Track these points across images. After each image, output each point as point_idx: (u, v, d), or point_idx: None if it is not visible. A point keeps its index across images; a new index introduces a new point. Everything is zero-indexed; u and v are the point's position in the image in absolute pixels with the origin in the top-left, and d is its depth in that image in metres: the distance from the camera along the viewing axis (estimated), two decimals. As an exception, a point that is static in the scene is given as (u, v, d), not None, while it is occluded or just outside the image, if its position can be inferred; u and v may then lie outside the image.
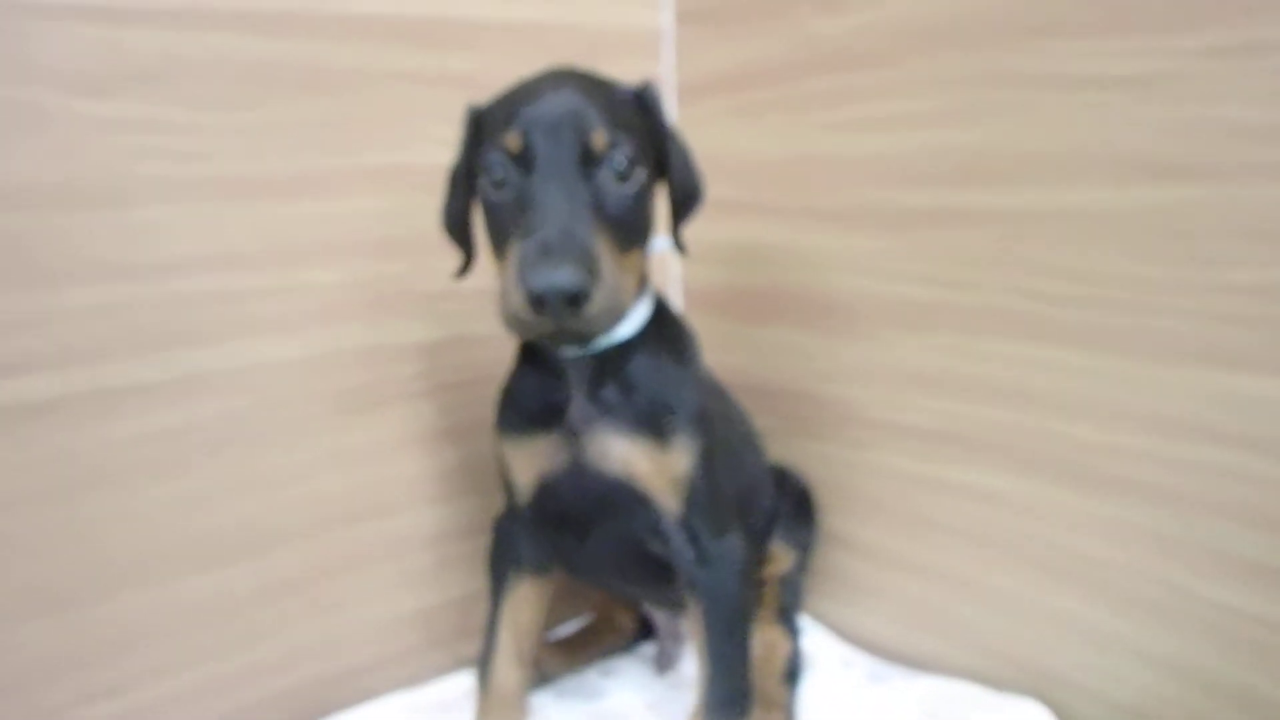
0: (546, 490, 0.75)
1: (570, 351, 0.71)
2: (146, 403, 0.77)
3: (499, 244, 0.65)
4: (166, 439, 0.78)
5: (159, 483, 0.78)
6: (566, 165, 0.62)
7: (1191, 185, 0.67)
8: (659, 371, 0.73)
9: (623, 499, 0.73)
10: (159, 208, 0.75)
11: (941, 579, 0.89)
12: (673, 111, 1.09)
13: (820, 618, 1.02)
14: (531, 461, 0.74)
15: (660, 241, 0.75)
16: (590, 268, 0.58)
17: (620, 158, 0.63)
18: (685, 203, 0.74)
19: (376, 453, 0.91)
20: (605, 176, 0.63)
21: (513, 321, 0.61)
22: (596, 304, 0.58)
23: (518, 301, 0.59)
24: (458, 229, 0.74)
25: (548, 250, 0.58)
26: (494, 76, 0.91)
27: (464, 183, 0.71)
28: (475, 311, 0.94)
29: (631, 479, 0.72)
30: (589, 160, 0.63)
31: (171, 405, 0.78)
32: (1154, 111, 0.69)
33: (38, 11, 0.69)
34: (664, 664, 0.95)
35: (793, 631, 0.91)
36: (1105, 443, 0.75)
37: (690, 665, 0.95)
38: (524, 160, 0.63)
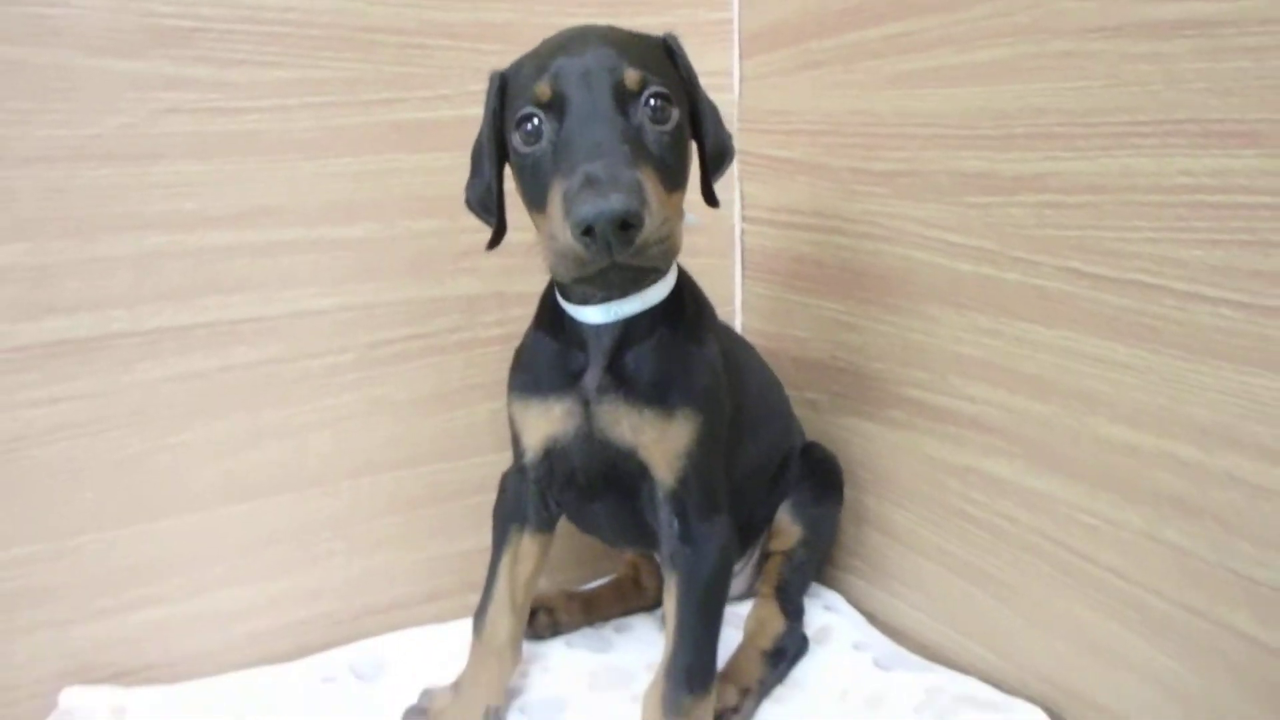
0: (555, 453, 0.75)
1: (597, 317, 0.70)
2: (183, 345, 0.83)
3: (537, 196, 0.62)
4: (203, 380, 0.84)
5: (196, 422, 0.84)
6: (601, 106, 0.60)
7: (1242, 153, 0.56)
8: (675, 343, 0.71)
9: (628, 467, 0.72)
10: (186, 163, 0.80)
11: (966, 572, 0.83)
12: (734, 65, 1.03)
13: (853, 599, 0.97)
14: (542, 424, 0.74)
15: (690, 217, 0.71)
16: (639, 194, 0.55)
17: (654, 97, 0.62)
18: (716, 158, 0.72)
19: (409, 406, 0.93)
20: (641, 116, 0.61)
21: (563, 261, 0.58)
22: (648, 231, 0.56)
23: (566, 238, 0.56)
24: (486, 201, 0.72)
25: (593, 180, 0.55)
26: (535, 27, 0.89)
27: (492, 151, 0.69)
28: (512, 267, 0.94)
29: (636, 448, 0.71)
30: (623, 100, 0.61)
31: (207, 350, 0.84)
32: (1210, 65, 0.58)
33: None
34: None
35: (791, 611, 0.88)
36: (1138, 446, 0.66)
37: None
38: (556, 107, 0.61)
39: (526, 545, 0.81)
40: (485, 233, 0.73)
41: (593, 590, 1.00)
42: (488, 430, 0.98)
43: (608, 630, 0.96)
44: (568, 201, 0.56)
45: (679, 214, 0.63)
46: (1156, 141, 0.61)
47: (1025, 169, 0.71)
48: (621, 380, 0.70)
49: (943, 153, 0.78)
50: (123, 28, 0.75)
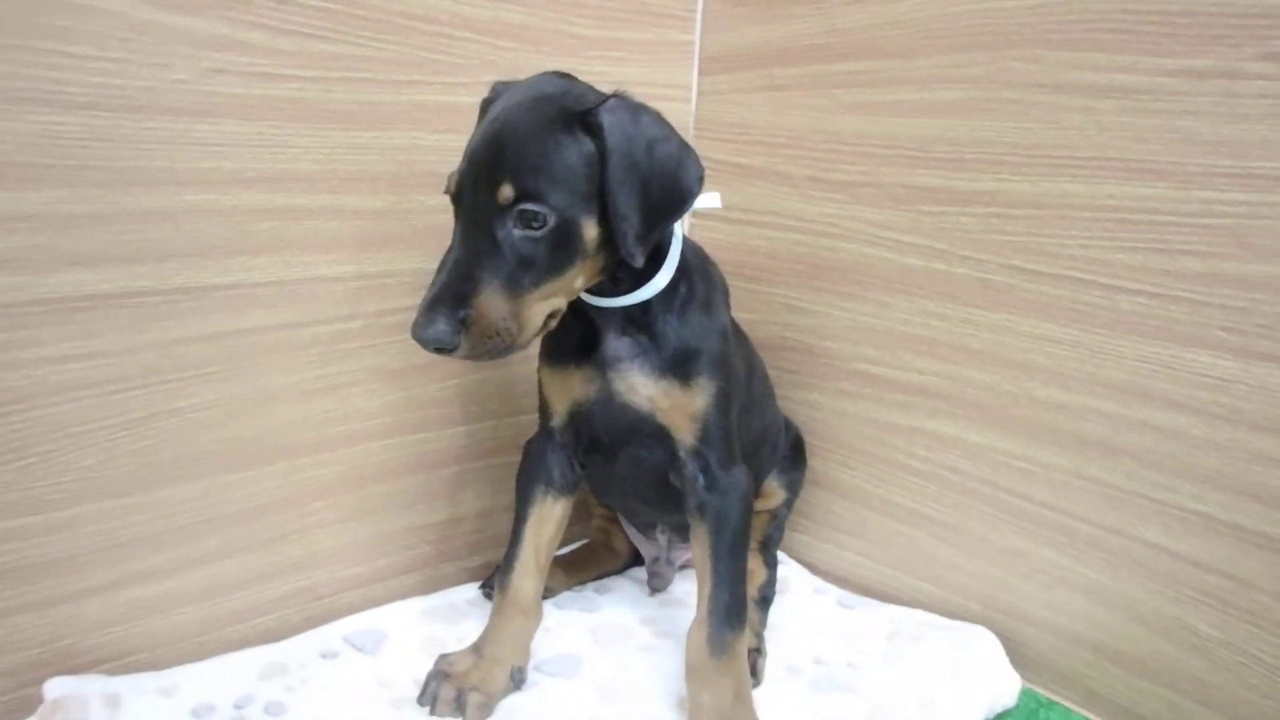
0: (580, 416, 0.84)
1: (600, 302, 0.79)
2: (202, 306, 0.82)
3: None
4: (217, 342, 0.84)
5: (207, 384, 0.84)
6: (478, 213, 0.69)
7: (1156, 184, 0.78)
8: (685, 322, 0.81)
9: (646, 429, 0.82)
10: (230, 124, 0.80)
11: (910, 518, 1.00)
12: (694, 80, 1.16)
13: (796, 554, 1.12)
14: (567, 388, 0.84)
15: (715, 202, 0.85)
16: (464, 320, 0.66)
17: (528, 208, 0.68)
18: (656, 212, 0.72)
19: (408, 373, 0.97)
20: (511, 224, 0.68)
21: None
22: (465, 349, 0.67)
23: None
24: None
25: (427, 303, 0.67)
26: (543, 29, 0.97)
27: None
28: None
29: (654, 413, 0.81)
30: (492, 212, 0.68)
31: (224, 312, 0.83)
32: (1132, 120, 0.79)
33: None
34: (657, 585, 1.03)
35: (770, 562, 1.01)
36: (1068, 404, 0.86)
37: (678, 587, 1.04)
38: (456, 203, 0.71)
39: (550, 507, 0.88)
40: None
41: (570, 554, 1.08)
42: (476, 398, 1.03)
43: (588, 592, 1.04)
44: (419, 310, 0.67)
45: (552, 295, 0.71)
46: (1089, 172, 0.82)
47: (975, 186, 0.90)
48: (635, 351, 0.81)
49: (899, 169, 0.96)
50: (188, -17, 0.76)
